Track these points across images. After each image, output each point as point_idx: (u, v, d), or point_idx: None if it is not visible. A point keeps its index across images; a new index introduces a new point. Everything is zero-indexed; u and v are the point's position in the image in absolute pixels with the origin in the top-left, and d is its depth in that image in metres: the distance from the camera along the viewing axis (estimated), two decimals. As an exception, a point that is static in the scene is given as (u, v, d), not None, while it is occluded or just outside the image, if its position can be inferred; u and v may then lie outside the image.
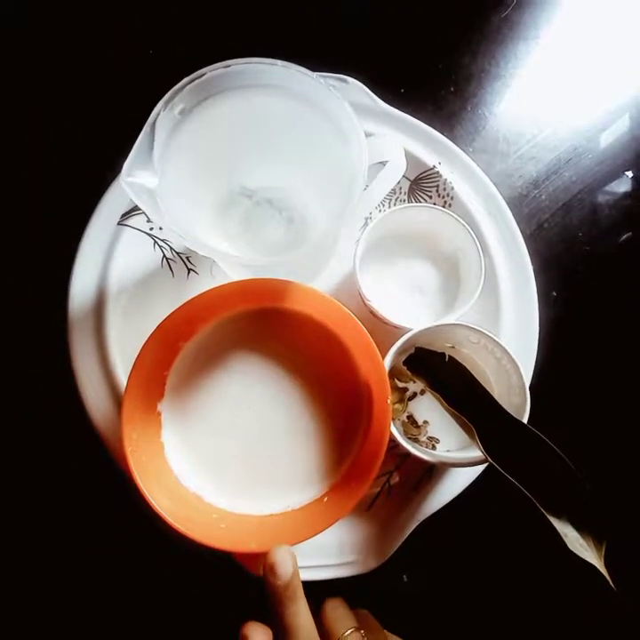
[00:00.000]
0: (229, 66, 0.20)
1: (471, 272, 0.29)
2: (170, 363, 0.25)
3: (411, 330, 0.26)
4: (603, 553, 0.19)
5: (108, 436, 0.27)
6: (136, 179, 0.18)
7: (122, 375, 0.28)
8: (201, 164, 0.23)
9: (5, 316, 0.30)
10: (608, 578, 0.18)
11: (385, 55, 0.37)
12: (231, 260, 0.19)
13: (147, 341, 0.23)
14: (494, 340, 0.26)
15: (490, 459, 0.21)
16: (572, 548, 0.18)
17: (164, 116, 0.19)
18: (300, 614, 0.20)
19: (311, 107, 0.21)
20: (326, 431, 0.26)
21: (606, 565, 0.18)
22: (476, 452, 0.24)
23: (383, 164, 0.24)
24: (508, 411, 0.24)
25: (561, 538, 0.19)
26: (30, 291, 0.30)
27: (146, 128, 0.19)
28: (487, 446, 0.22)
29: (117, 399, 0.27)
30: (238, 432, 0.25)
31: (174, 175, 0.20)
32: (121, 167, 0.30)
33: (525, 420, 0.24)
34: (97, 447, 0.27)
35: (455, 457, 0.25)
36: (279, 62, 0.20)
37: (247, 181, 0.27)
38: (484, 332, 0.25)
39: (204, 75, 0.20)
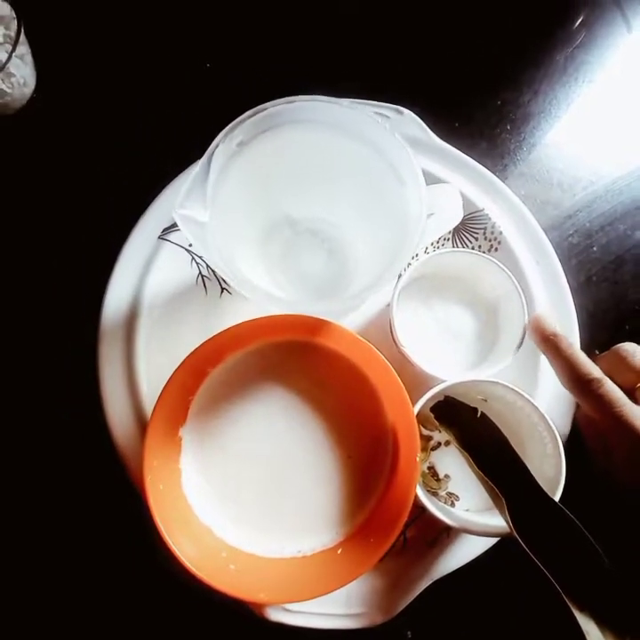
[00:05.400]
0: (293, 102, 0.19)
1: (512, 323, 0.28)
2: (195, 388, 0.24)
3: (444, 381, 0.25)
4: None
5: (127, 451, 0.26)
6: (188, 211, 0.18)
7: (145, 387, 0.27)
8: (249, 194, 0.22)
9: (38, 318, 0.30)
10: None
11: (441, 87, 0.36)
12: (277, 305, 0.19)
13: (177, 369, 0.23)
14: (533, 405, 0.24)
15: (521, 540, 0.20)
16: None
17: (222, 147, 0.19)
18: None
19: (373, 150, 0.20)
20: (346, 474, 0.25)
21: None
22: (497, 518, 0.23)
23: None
24: (539, 481, 0.22)
25: (583, 636, 0.17)
26: (66, 298, 0.30)
27: (204, 160, 0.18)
28: (515, 521, 0.21)
29: (139, 412, 0.27)
30: (256, 464, 0.25)
31: (224, 207, 0.20)
32: (169, 178, 0.30)
33: (558, 495, 0.22)
34: (115, 458, 0.27)
35: (476, 522, 0.24)
36: (345, 102, 0.19)
37: (292, 211, 0.26)
38: (525, 396, 0.24)
39: (265, 109, 0.19)
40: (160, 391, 0.23)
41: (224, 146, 0.19)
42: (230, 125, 0.19)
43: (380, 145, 0.20)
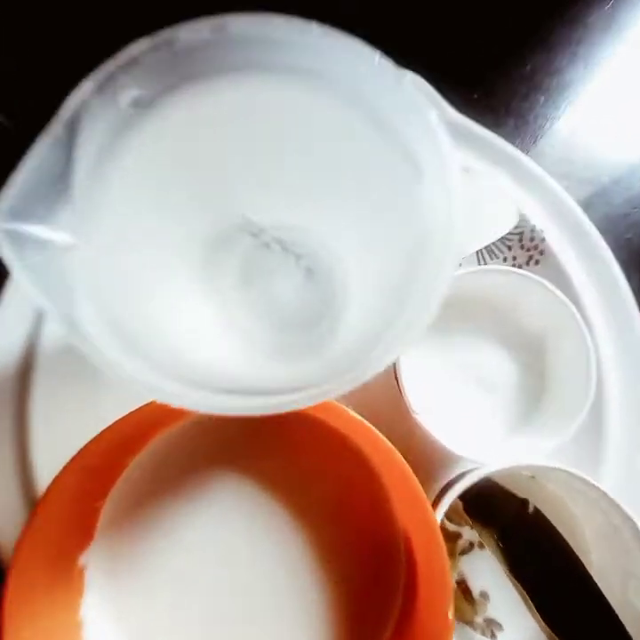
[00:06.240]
0: (224, 28, 0.11)
1: (567, 366, 0.20)
2: (106, 489, 0.16)
3: (480, 466, 0.17)
4: None
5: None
6: (30, 226, 0.10)
7: (45, 475, 0.19)
8: (170, 188, 0.14)
9: None
10: None
11: (455, 48, 0.28)
12: (225, 410, 0.11)
13: (68, 464, 0.14)
14: (608, 497, 0.16)
15: None
16: None
17: (97, 109, 0.11)
18: None
19: (364, 111, 0.12)
20: (333, 611, 0.17)
21: None
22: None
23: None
24: (625, 619, 0.14)
25: None
26: None
27: (54, 131, 0.10)
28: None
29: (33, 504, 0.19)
30: (200, 602, 0.17)
31: (116, 215, 0.12)
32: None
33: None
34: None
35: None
36: (315, 27, 0.11)
37: (252, 214, 0.18)
38: (600, 487, 0.16)
39: (176, 41, 0.11)
40: (40, 497, 0.14)
41: (100, 106, 0.10)
42: (106, 68, 0.10)
43: (384, 107, 0.12)
